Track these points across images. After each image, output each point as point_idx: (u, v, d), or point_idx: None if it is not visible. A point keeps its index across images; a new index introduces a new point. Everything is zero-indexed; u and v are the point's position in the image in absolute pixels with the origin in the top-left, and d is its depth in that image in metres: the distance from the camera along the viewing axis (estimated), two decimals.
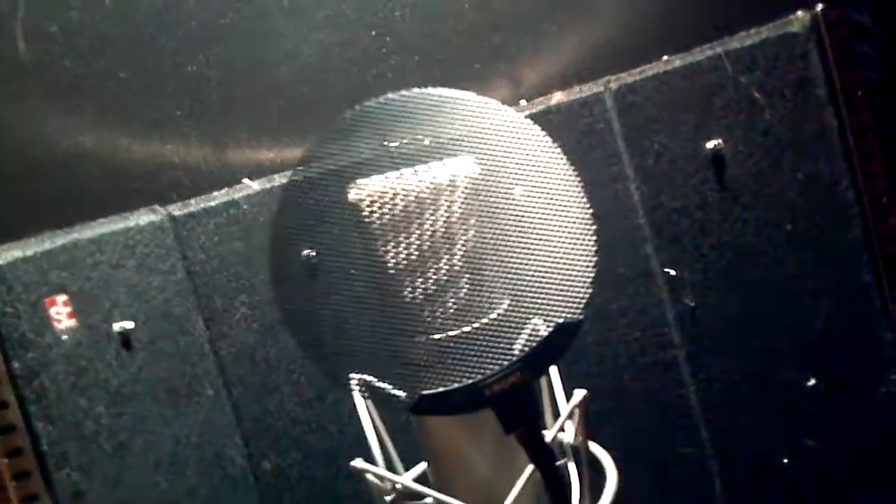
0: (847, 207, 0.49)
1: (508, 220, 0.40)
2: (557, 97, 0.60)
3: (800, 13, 0.49)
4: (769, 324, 0.55)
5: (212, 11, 0.61)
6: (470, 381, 0.38)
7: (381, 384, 0.40)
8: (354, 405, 0.58)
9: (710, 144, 0.54)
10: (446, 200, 0.42)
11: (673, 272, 0.58)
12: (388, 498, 0.49)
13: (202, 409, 0.55)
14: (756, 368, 0.56)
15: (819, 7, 0.48)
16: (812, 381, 0.53)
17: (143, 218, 0.54)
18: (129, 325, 0.50)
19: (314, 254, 0.41)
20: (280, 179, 0.60)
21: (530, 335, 0.39)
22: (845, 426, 0.53)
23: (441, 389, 0.38)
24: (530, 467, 0.45)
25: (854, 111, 0.48)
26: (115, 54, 0.60)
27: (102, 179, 0.60)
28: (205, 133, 0.61)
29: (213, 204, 0.58)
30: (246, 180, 0.61)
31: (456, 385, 0.38)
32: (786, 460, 0.55)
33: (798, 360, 0.54)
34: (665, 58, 0.58)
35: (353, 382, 0.42)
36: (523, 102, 0.61)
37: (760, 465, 0.58)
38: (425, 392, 0.38)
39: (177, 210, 0.57)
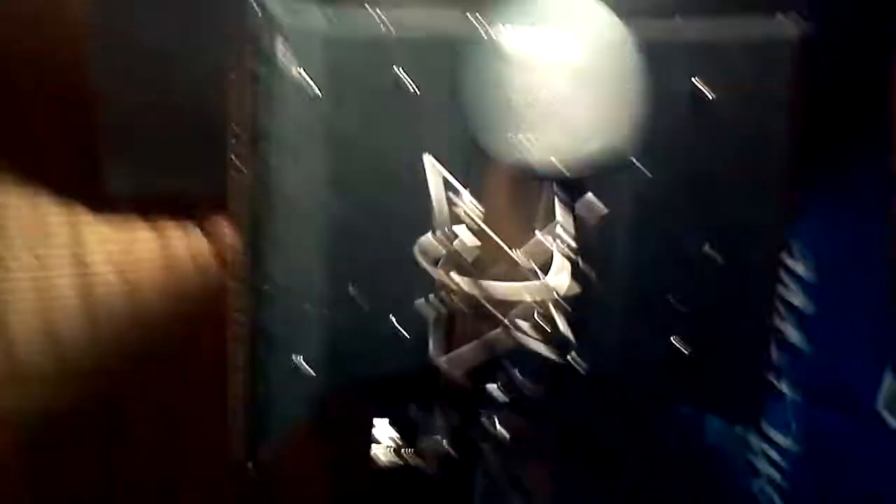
0: (776, 145, 0.79)
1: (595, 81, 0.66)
2: None
3: (784, 15, 0.77)
4: (692, 207, 0.84)
5: None
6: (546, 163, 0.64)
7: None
8: None
9: (695, 82, 0.81)
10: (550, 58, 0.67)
11: (636, 163, 0.86)
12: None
13: (316, 149, 0.79)
14: (674, 235, 0.85)
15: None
16: (707, 249, 0.83)
17: (316, 11, 0.77)
18: (306, 77, 0.73)
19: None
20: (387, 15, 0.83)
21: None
22: (721, 282, 0.83)
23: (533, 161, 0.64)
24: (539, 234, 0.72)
25: (799, 87, 0.77)
26: None
27: None
28: None
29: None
30: (367, 7, 0.83)
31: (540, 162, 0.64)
32: (671, 297, 0.85)
33: (705, 236, 0.83)
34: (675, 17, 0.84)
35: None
36: None
37: (653, 301, 0.86)
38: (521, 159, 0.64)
39: (330, 13, 0.79)
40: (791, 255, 1.12)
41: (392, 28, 0.81)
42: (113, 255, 1.04)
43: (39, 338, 1.02)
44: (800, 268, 1.13)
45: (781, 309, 1.14)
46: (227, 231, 1.06)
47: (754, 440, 1.17)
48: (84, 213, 1.03)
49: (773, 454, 1.16)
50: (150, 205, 1.05)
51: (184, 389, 1.09)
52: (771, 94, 0.79)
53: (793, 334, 1.14)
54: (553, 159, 0.63)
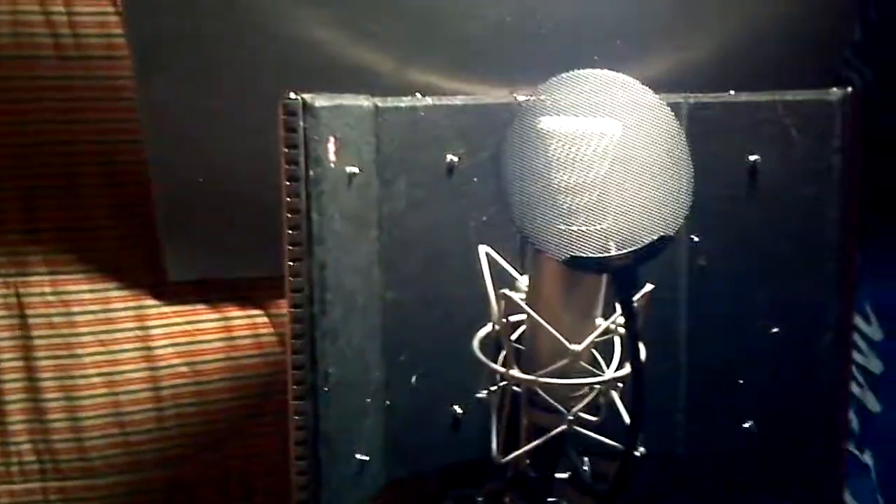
0: (831, 220, 0.77)
1: (643, 166, 0.64)
2: None
3: (835, 89, 0.76)
4: (754, 286, 0.82)
5: None
6: (602, 256, 0.62)
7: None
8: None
9: (751, 157, 0.80)
10: (597, 147, 0.65)
11: (696, 239, 0.84)
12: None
13: (370, 239, 0.79)
14: (737, 314, 0.83)
15: (850, 89, 0.75)
16: (775, 330, 0.80)
17: (365, 102, 0.77)
18: (355, 170, 0.73)
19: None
20: (436, 101, 0.82)
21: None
22: (790, 362, 0.80)
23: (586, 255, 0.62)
24: (602, 323, 0.70)
25: (851, 161, 0.75)
26: None
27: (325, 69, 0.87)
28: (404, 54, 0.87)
29: (400, 105, 0.81)
30: (418, 94, 0.83)
31: (595, 255, 0.62)
32: (741, 380, 0.83)
33: (769, 315, 0.81)
34: (731, 92, 0.83)
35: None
36: None
37: (723, 380, 0.84)
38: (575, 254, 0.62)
39: (379, 102, 0.79)
40: (861, 317, 1.09)
41: (443, 114, 0.81)
42: (178, 342, 1.05)
43: (110, 430, 1.03)
44: (870, 329, 1.09)
45: (858, 376, 1.10)
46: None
47: None
48: (148, 300, 1.04)
49: None
50: (213, 289, 1.06)
51: (250, 469, 1.10)
52: (825, 164, 0.76)
53: (870, 401, 1.10)
54: (609, 251, 0.62)
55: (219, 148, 0.95)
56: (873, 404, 1.10)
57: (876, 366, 1.10)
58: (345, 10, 0.90)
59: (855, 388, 1.10)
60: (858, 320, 1.09)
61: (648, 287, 0.69)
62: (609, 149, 0.64)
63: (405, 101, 0.80)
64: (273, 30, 0.91)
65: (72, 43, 0.96)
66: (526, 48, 0.94)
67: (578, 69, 0.67)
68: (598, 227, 0.63)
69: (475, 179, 0.83)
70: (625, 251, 0.62)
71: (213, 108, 0.94)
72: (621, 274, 0.64)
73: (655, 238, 0.63)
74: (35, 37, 0.95)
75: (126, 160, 0.99)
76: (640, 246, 0.62)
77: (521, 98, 0.82)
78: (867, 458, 1.10)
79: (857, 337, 1.09)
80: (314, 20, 0.89)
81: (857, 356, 1.10)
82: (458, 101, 0.83)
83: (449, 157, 0.82)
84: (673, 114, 0.65)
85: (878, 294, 1.09)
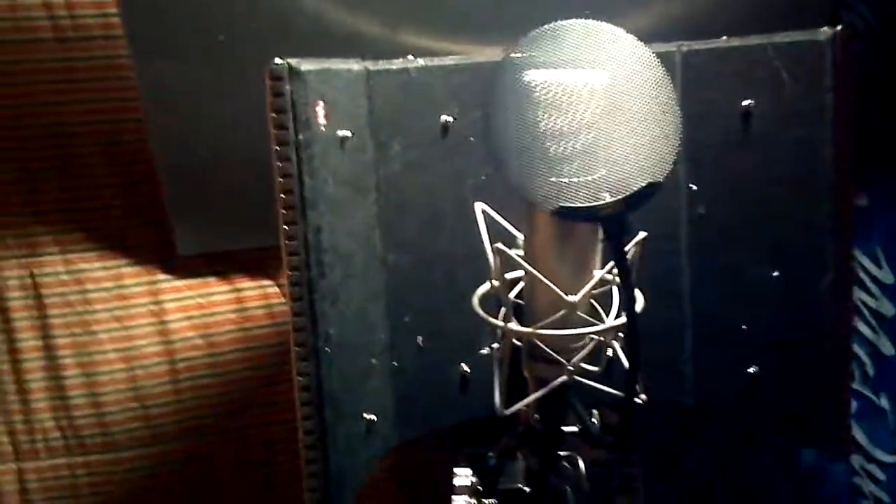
0: (825, 159, 0.76)
1: (630, 114, 0.64)
2: None
3: (826, 28, 0.75)
4: (752, 232, 0.82)
5: None
6: (591, 204, 0.62)
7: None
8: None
9: (744, 102, 0.79)
10: (584, 97, 0.65)
11: (694, 187, 0.84)
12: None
13: (367, 203, 0.79)
14: (736, 260, 0.83)
15: (840, 27, 0.74)
16: (775, 274, 0.80)
17: (355, 66, 0.78)
18: (347, 133, 0.74)
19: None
20: (428, 62, 0.82)
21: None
22: (791, 305, 0.80)
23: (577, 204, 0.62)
24: (597, 273, 0.71)
25: (843, 100, 0.75)
26: None
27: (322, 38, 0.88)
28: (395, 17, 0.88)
29: (391, 68, 0.81)
30: (410, 57, 0.84)
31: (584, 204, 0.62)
32: (744, 326, 0.83)
33: (768, 259, 0.81)
34: (724, 38, 0.82)
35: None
36: None
37: (725, 329, 0.84)
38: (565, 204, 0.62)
39: (370, 66, 0.80)
40: (872, 261, 1.08)
41: (435, 75, 0.81)
42: (192, 315, 1.06)
43: (129, 404, 1.05)
44: (881, 273, 1.08)
45: (871, 320, 1.09)
46: None
47: (857, 460, 1.12)
48: (161, 275, 1.06)
49: (879, 473, 1.11)
50: (223, 261, 1.08)
51: (270, 436, 1.12)
52: (817, 104, 0.76)
53: (884, 344, 1.10)
54: (600, 200, 0.62)
55: (220, 121, 0.96)
56: (887, 348, 1.10)
57: (888, 309, 1.10)
58: None
59: (868, 332, 1.10)
60: (869, 264, 1.09)
61: (642, 235, 0.69)
62: (595, 98, 0.64)
63: (396, 64, 0.81)
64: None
65: (69, 24, 0.97)
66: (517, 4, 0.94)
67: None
68: (587, 176, 0.63)
69: (470, 139, 0.84)
70: (613, 199, 0.62)
71: (211, 82, 0.95)
72: (612, 222, 0.64)
73: (644, 185, 0.63)
74: (34, 20, 0.96)
75: (130, 138, 1.00)
76: (628, 193, 0.62)
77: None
78: (884, 401, 1.10)
79: (868, 280, 1.09)
80: None
81: (868, 300, 1.09)
82: (449, 61, 0.83)
83: (443, 117, 0.82)
84: (659, 60, 0.65)
85: (888, 238, 1.09)
